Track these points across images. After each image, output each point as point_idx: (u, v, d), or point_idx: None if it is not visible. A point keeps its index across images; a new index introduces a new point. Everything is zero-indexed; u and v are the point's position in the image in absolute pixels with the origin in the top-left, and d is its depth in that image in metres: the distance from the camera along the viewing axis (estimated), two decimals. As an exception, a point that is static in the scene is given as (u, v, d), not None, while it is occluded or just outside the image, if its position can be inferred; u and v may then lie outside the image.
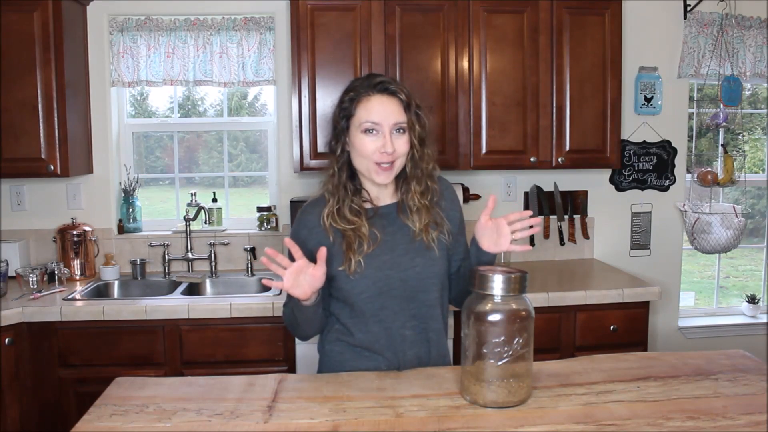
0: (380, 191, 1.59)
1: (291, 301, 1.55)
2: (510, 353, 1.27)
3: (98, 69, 3.00)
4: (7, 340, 2.36)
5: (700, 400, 1.32)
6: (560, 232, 3.20)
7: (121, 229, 3.09)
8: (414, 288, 1.55)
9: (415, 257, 1.55)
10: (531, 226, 1.49)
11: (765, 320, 3.43)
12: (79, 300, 2.59)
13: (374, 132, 1.49)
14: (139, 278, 2.94)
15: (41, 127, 2.67)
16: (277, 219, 3.15)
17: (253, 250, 3.03)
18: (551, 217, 3.22)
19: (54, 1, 2.64)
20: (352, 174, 1.59)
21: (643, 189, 3.30)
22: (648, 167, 3.28)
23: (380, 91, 1.49)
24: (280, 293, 2.63)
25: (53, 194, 3.05)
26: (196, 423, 1.25)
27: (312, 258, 1.46)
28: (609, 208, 3.28)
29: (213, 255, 3.02)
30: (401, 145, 1.50)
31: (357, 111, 1.50)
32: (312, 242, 1.55)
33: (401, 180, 1.58)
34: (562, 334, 2.59)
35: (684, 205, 3.22)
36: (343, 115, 1.53)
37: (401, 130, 1.50)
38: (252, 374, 1.51)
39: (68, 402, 2.46)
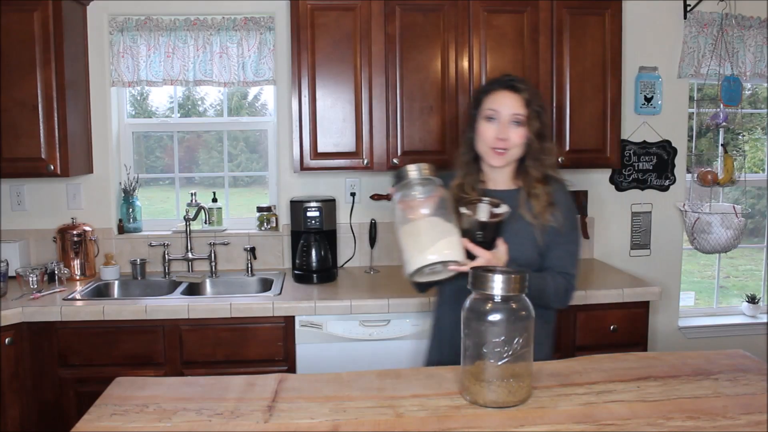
0: (497, 175, 1.77)
1: None
2: (510, 353, 1.27)
3: (98, 69, 3.00)
4: (7, 340, 2.36)
5: (700, 400, 1.32)
6: (560, 232, 3.20)
7: (121, 229, 3.09)
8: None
9: (507, 239, 1.62)
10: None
11: (765, 320, 3.43)
12: (79, 300, 2.59)
13: (493, 120, 1.68)
14: (139, 278, 2.94)
15: (41, 127, 2.67)
16: (277, 219, 3.15)
17: (253, 250, 3.03)
18: (551, 217, 3.21)
19: (54, 1, 2.63)
20: (476, 156, 1.77)
21: (643, 189, 3.30)
22: (648, 167, 3.28)
23: (505, 87, 1.69)
24: (280, 293, 2.63)
25: (53, 194, 3.05)
26: (196, 423, 1.25)
27: None
28: (609, 208, 3.28)
29: (213, 255, 3.02)
30: (516, 135, 1.68)
31: (484, 102, 1.71)
32: None
33: (520, 170, 1.75)
34: (562, 334, 2.59)
35: (684, 205, 3.22)
36: (474, 105, 1.75)
37: (518, 122, 1.68)
38: (252, 374, 1.51)
39: (68, 402, 2.46)
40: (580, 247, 1.79)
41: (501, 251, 1.57)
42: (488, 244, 1.55)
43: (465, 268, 1.45)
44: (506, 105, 1.67)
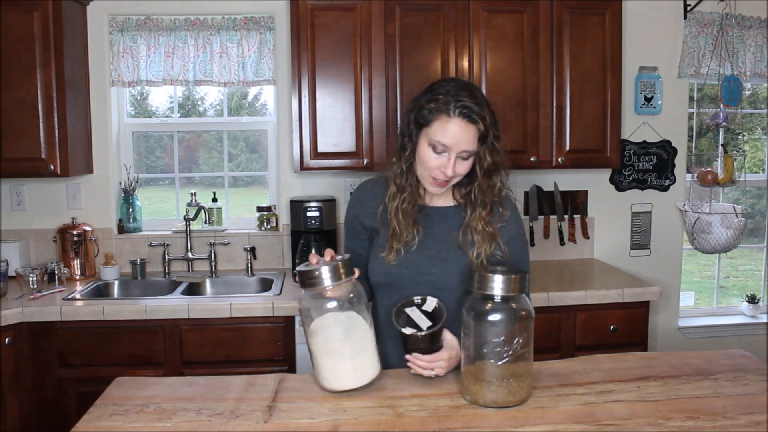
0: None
1: None
2: (510, 353, 1.27)
3: (98, 69, 3.00)
4: (7, 340, 2.36)
5: (700, 400, 1.32)
6: (560, 232, 3.20)
7: (121, 229, 3.09)
8: (424, 292, 1.53)
9: (432, 266, 1.57)
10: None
11: (765, 320, 3.43)
12: (79, 300, 2.59)
13: (442, 152, 1.49)
14: (139, 278, 2.94)
15: (41, 127, 2.67)
16: (277, 219, 3.15)
17: (253, 250, 3.03)
18: (551, 217, 3.22)
19: (54, 1, 2.63)
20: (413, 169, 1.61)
21: (643, 189, 3.30)
22: (648, 167, 3.28)
23: (461, 116, 1.46)
24: (280, 293, 2.63)
25: (53, 194, 3.05)
26: (196, 423, 1.25)
27: (367, 230, 1.66)
28: (609, 208, 3.28)
29: (213, 255, 3.02)
30: (463, 168, 1.52)
31: (433, 125, 1.49)
32: (364, 217, 1.67)
33: (462, 188, 1.60)
34: (562, 334, 2.59)
35: (684, 205, 3.22)
36: (420, 121, 1.52)
37: (468, 157, 1.51)
38: (252, 374, 1.51)
39: (68, 402, 2.46)
40: (527, 265, 1.67)
41: (451, 342, 1.44)
42: (437, 337, 1.41)
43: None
44: (459, 141, 1.46)
